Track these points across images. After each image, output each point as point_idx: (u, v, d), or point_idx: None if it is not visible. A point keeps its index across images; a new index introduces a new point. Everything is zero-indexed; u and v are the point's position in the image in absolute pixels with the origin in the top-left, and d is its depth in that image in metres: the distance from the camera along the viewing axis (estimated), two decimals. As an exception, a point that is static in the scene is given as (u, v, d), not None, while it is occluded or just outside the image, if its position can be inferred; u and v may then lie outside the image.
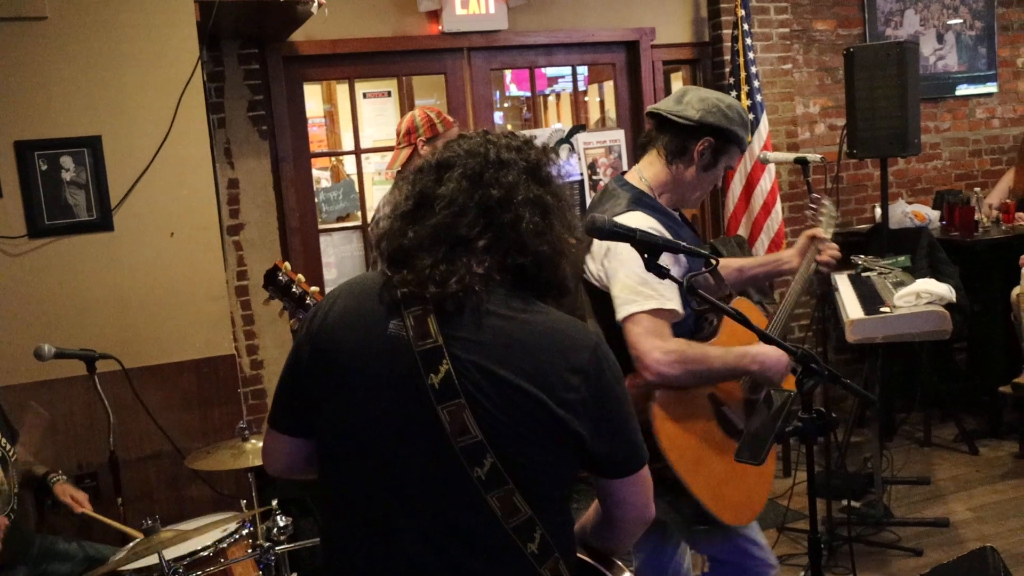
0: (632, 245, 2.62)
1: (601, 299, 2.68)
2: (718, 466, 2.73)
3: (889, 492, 4.77)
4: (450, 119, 4.20)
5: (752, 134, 5.44)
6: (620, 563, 1.95)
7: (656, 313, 2.59)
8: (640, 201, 2.77)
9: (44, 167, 3.98)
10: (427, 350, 1.62)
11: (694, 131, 2.77)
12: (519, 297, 1.69)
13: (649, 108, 2.88)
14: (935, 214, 6.09)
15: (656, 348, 2.55)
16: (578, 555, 1.89)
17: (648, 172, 2.84)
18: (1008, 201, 6.03)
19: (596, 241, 2.56)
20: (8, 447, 3.29)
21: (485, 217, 1.67)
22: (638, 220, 2.62)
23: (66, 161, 4.01)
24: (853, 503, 4.64)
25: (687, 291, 2.51)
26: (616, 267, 2.66)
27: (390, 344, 1.66)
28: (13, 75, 3.91)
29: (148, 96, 4.09)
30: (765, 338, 2.57)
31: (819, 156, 4.42)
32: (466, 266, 1.65)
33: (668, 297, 2.61)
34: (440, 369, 1.61)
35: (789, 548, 4.43)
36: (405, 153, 4.18)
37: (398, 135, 4.25)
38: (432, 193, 1.71)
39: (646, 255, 2.44)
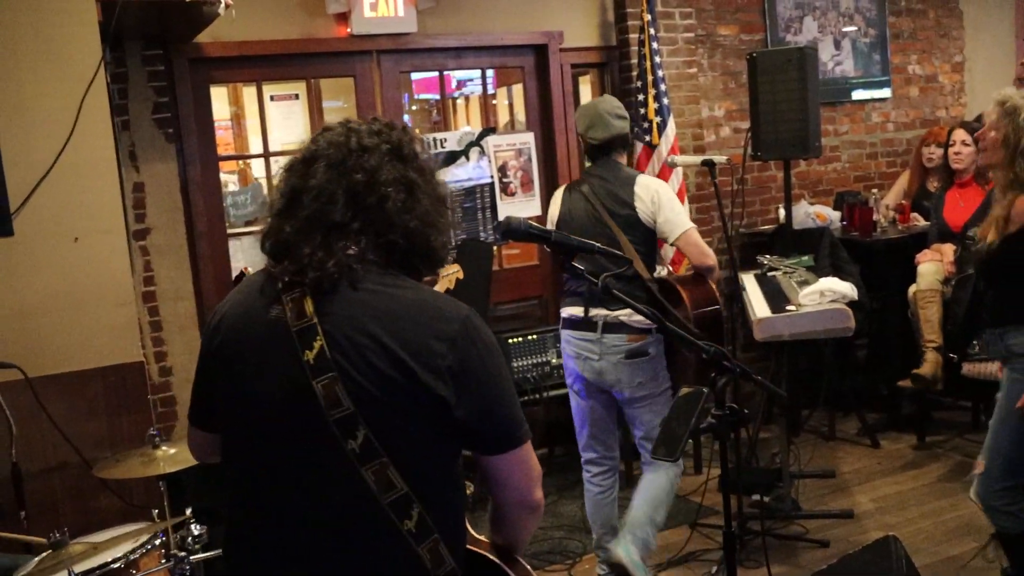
0: (547, 246, 2.72)
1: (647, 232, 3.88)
2: None
3: (796, 486, 4.87)
4: None
5: (660, 136, 5.53)
6: (524, 562, 1.98)
7: None
8: None
9: (-63, 171, 3.85)
10: (302, 328, 1.71)
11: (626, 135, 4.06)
12: (391, 274, 1.79)
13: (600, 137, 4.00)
14: (836, 215, 6.26)
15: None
16: (482, 552, 1.94)
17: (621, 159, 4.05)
18: (903, 202, 6.24)
19: (641, 188, 3.85)
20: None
21: (353, 201, 1.76)
22: (657, 179, 4.08)
23: (-40, 164, 3.89)
24: (762, 497, 4.73)
25: (602, 290, 2.59)
26: (661, 197, 3.85)
27: (271, 329, 1.75)
28: (-98, 76, 3.78)
29: (49, 97, 3.97)
30: (681, 338, 2.65)
31: (725, 158, 4.54)
32: (341, 249, 1.75)
33: None
34: (314, 345, 1.70)
35: (701, 544, 4.51)
36: None
37: None
38: (302, 187, 1.80)
39: (561, 255, 2.54)
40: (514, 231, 2.72)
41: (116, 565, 3.02)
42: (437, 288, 4.52)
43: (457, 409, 1.71)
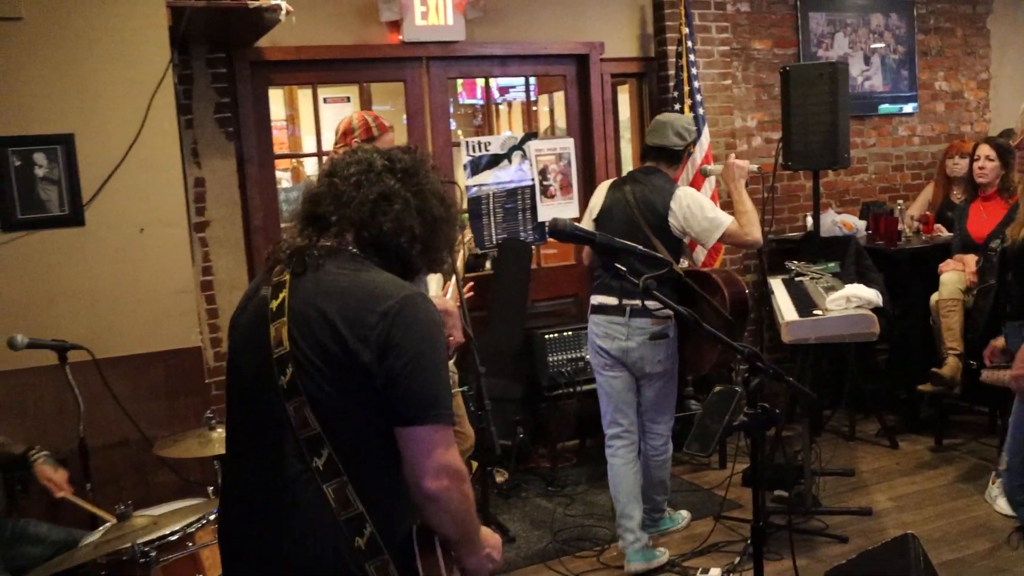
0: (592, 247, 2.95)
1: (676, 240, 4.33)
2: None
3: (817, 483, 5.00)
4: (386, 124, 4.22)
5: (694, 145, 5.71)
6: (440, 557, 1.99)
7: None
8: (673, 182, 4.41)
9: (18, 163, 4.07)
10: (275, 283, 2.01)
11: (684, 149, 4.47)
12: (359, 262, 2.01)
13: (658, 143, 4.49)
14: (862, 224, 6.38)
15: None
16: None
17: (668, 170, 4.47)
18: (927, 213, 6.37)
19: (676, 204, 4.24)
20: (-22, 434, 3.40)
21: (335, 201, 2.04)
22: (692, 192, 4.37)
23: (39, 158, 4.10)
24: (784, 493, 4.87)
25: (643, 292, 2.81)
26: (694, 213, 4.24)
27: (258, 304, 2.03)
28: (-11, 74, 4.00)
29: (120, 96, 4.20)
30: (715, 336, 2.85)
31: (756, 167, 4.71)
32: (317, 239, 2.03)
33: None
34: (280, 297, 1.98)
35: (725, 535, 4.66)
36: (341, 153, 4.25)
37: (336, 135, 4.30)
38: (305, 192, 2.15)
39: (604, 256, 2.75)
40: (560, 232, 2.96)
41: (174, 537, 3.14)
42: (457, 256, 4.63)
43: (376, 374, 1.87)
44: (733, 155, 4.89)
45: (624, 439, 4.46)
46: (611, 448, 4.48)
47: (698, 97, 5.80)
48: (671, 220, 4.27)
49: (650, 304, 4.13)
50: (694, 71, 5.79)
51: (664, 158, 4.44)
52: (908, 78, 7.20)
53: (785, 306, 4.60)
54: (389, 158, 2.09)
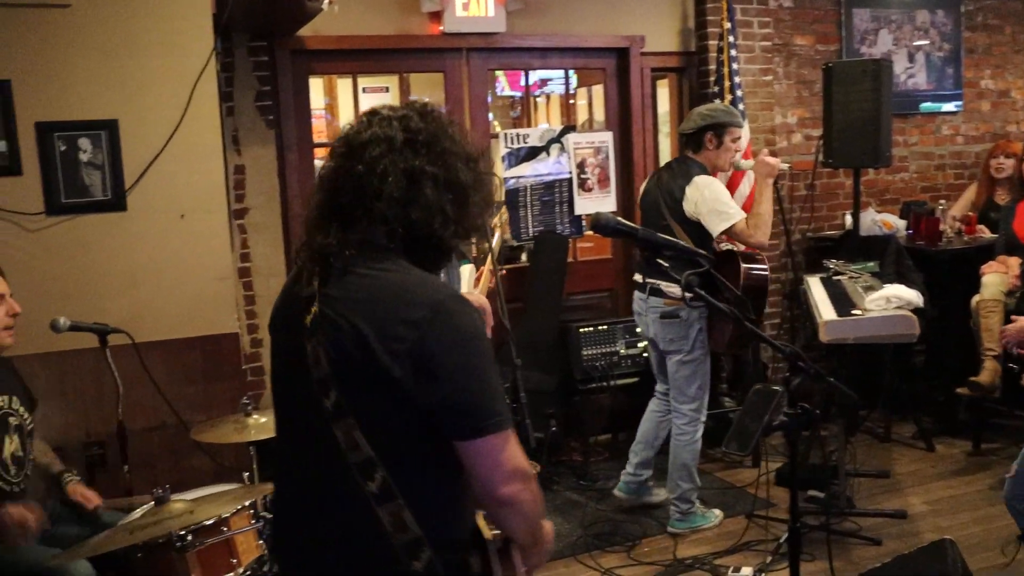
0: (635, 243, 2.96)
1: (696, 224, 4.41)
2: None
3: (852, 484, 4.97)
4: None
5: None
6: (519, 560, 1.97)
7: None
8: (704, 170, 4.52)
9: (63, 148, 4.14)
10: (306, 296, 1.85)
11: (699, 132, 4.55)
12: (388, 259, 1.85)
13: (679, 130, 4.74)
14: (902, 223, 6.33)
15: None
16: (487, 537, 1.99)
17: (697, 157, 4.59)
18: (970, 214, 6.30)
19: (692, 190, 4.40)
20: (26, 416, 3.43)
21: (356, 190, 1.85)
22: (710, 181, 4.47)
23: (84, 143, 4.16)
24: (818, 493, 4.84)
25: (684, 287, 2.81)
26: (705, 198, 4.38)
27: (292, 300, 1.91)
28: (36, 59, 4.07)
29: (164, 83, 4.25)
30: (757, 336, 2.84)
31: (787, 165, 4.72)
32: (341, 235, 1.85)
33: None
34: (311, 311, 1.82)
35: (758, 534, 4.65)
36: None
37: None
38: (322, 175, 1.96)
39: (646, 250, 2.76)
40: (603, 226, 2.96)
41: (209, 522, 3.18)
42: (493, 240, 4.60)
43: (414, 391, 1.75)
44: (766, 151, 4.90)
45: (661, 396, 4.92)
46: (654, 397, 4.96)
47: (738, 92, 5.76)
48: (684, 205, 4.44)
49: (662, 285, 4.48)
50: (735, 66, 5.76)
51: (689, 146, 4.63)
52: (953, 76, 7.10)
53: (823, 305, 4.55)
54: (407, 127, 1.88)
